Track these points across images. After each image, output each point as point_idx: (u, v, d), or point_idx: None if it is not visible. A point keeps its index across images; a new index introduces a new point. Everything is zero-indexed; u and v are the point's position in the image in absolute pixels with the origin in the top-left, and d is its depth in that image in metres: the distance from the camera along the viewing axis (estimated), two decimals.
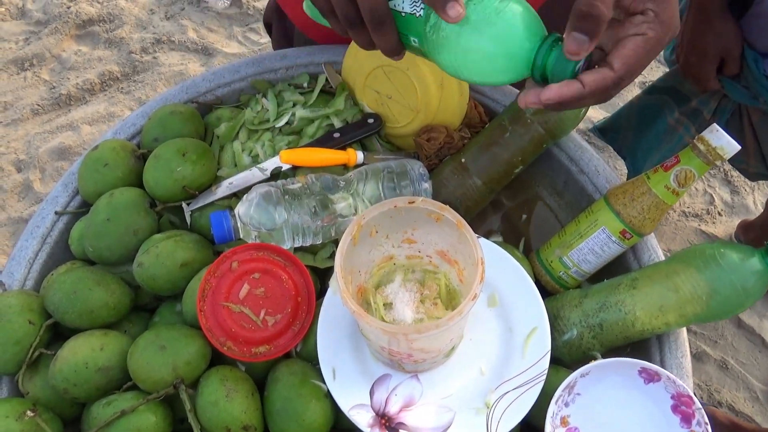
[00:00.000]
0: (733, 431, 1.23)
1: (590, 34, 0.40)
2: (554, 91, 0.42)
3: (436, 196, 0.68)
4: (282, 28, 0.94)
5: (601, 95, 0.42)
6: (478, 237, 0.63)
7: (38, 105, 1.86)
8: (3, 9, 2.03)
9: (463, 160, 0.69)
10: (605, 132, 1.15)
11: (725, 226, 1.62)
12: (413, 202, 0.50)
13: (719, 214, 1.63)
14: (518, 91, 0.77)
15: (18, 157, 1.78)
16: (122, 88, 1.88)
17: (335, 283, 0.49)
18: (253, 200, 0.63)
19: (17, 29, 2.00)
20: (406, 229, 0.55)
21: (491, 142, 0.69)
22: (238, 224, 0.63)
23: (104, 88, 1.89)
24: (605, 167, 0.71)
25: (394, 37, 0.46)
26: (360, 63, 0.74)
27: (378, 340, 0.53)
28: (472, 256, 0.49)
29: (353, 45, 0.74)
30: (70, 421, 0.62)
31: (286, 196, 0.63)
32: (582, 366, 0.57)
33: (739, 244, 0.56)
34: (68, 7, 1.99)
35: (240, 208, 0.63)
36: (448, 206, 0.50)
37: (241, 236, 0.63)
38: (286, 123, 0.74)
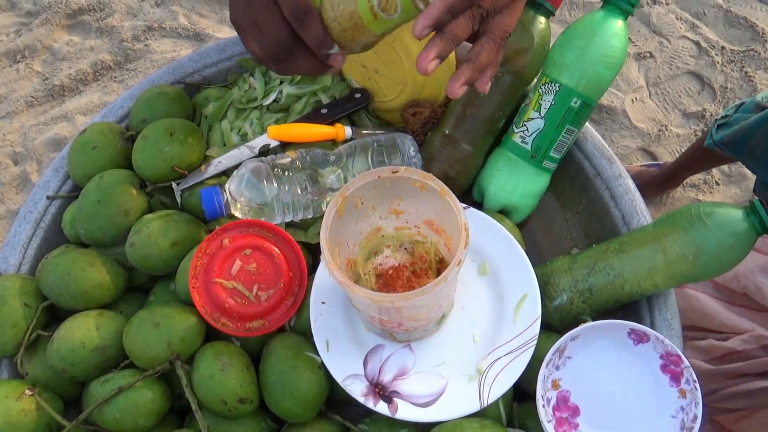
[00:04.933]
0: None
1: None
2: (421, 17, 0.44)
3: (429, 171, 0.68)
4: None
5: (461, 9, 0.45)
6: (466, 207, 0.64)
7: (32, 97, 1.86)
8: None
9: (447, 131, 0.69)
10: (728, 145, 1.12)
11: (723, 196, 1.62)
12: (396, 171, 0.51)
13: (717, 183, 1.62)
14: None
15: (14, 149, 1.79)
16: (115, 77, 1.88)
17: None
18: (244, 175, 0.63)
19: (7, 21, 1.99)
20: (392, 199, 0.55)
21: (468, 105, 0.68)
22: (229, 200, 0.63)
23: (97, 77, 1.88)
24: None
25: (307, 61, 0.48)
26: None
27: (367, 309, 0.53)
28: (457, 223, 0.50)
29: None
30: (72, 400, 0.63)
31: (276, 170, 0.63)
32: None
33: (724, 203, 0.56)
34: None
35: (230, 184, 0.63)
36: (431, 175, 0.50)
37: (232, 212, 0.63)
38: (274, 101, 0.74)
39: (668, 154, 1.65)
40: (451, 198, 0.50)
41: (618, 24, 0.63)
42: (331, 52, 0.48)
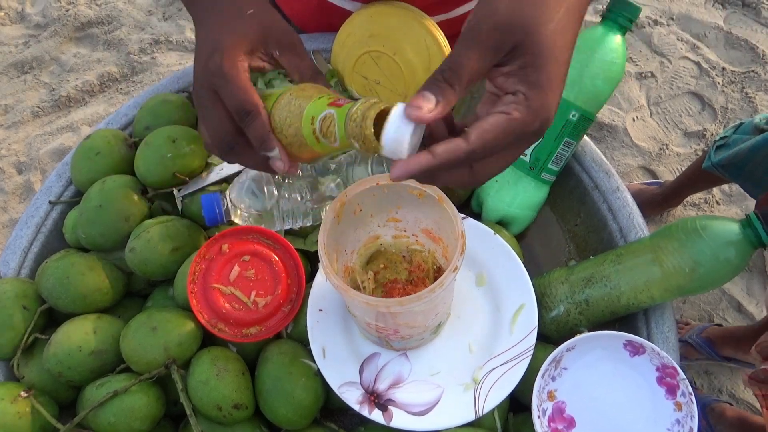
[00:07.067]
0: (741, 425, 1.24)
1: (438, 94, 0.38)
2: (401, 166, 0.38)
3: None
4: None
5: (454, 168, 0.39)
6: (464, 218, 0.64)
7: (38, 107, 1.88)
8: (2, 13, 2.05)
9: None
10: (727, 168, 1.12)
11: (723, 215, 1.62)
12: None
13: (717, 203, 1.63)
14: None
15: (19, 159, 1.80)
16: (121, 88, 1.90)
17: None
18: (244, 182, 0.63)
19: (17, 33, 2.02)
20: (390, 207, 0.56)
21: (468, 117, 0.69)
22: (229, 206, 0.63)
23: (103, 89, 1.90)
24: None
25: (253, 158, 0.48)
26: (348, 50, 0.74)
27: (364, 315, 0.53)
28: (454, 231, 0.50)
29: (342, 32, 0.75)
30: (67, 405, 0.63)
31: (277, 178, 0.64)
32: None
33: (720, 217, 0.57)
34: (67, 10, 2.01)
35: (231, 191, 0.64)
36: None
37: (232, 218, 0.64)
38: None
39: (669, 172, 1.66)
40: (448, 205, 0.50)
41: (616, 39, 0.64)
42: (271, 155, 0.47)
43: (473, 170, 0.40)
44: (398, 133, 0.38)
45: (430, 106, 0.37)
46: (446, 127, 0.42)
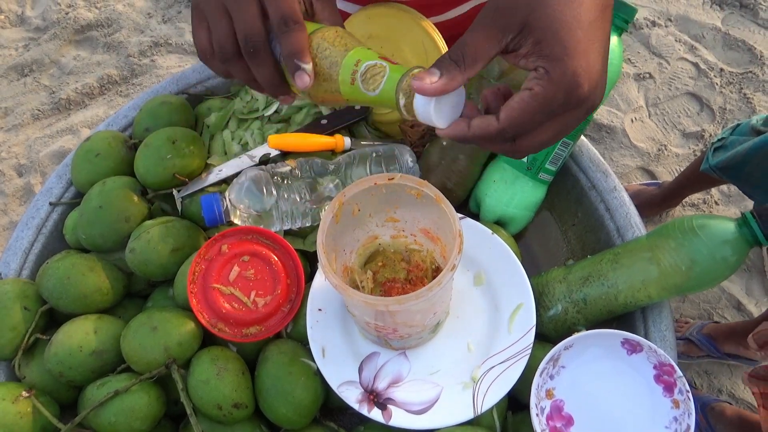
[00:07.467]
0: (741, 424, 1.24)
1: (442, 69, 0.41)
2: (442, 130, 0.44)
3: (427, 181, 0.69)
4: None
5: (486, 141, 0.43)
6: (462, 218, 0.64)
7: (38, 110, 1.88)
8: (2, 17, 2.06)
9: (444, 143, 0.70)
10: (725, 170, 1.13)
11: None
12: (392, 178, 0.51)
13: (716, 203, 1.63)
14: None
15: (19, 161, 1.81)
16: (121, 91, 1.90)
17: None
18: (244, 183, 0.64)
19: (17, 36, 2.03)
20: (388, 207, 0.56)
21: None
22: (229, 207, 0.64)
23: (103, 92, 1.91)
24: None
25: (269, 69, 0.47)
26: None
27: (363, 314, 0.54)
28: (452, 230, 0.50)
29: None
30: (68, 405, 0.64)
31: (276, 178, 0.64)
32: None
33: (717, 216, 0.57)
34: (66, 13, 2.02)
35: (230, 192, 0.64)
36: (426, 182, 0.51)
37: (232, 219, 0.64)
38: (275, 111, 0.75)
39: (667, 173, 1.66)
40: (446, 205, 0.51)
41: (613, 40, 0.64)
42: (303, 66, 0.46)
43: (516, 144, 0.44)
44: (423, 101, 0.42)
45: (432, 79, 0.41)
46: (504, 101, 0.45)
